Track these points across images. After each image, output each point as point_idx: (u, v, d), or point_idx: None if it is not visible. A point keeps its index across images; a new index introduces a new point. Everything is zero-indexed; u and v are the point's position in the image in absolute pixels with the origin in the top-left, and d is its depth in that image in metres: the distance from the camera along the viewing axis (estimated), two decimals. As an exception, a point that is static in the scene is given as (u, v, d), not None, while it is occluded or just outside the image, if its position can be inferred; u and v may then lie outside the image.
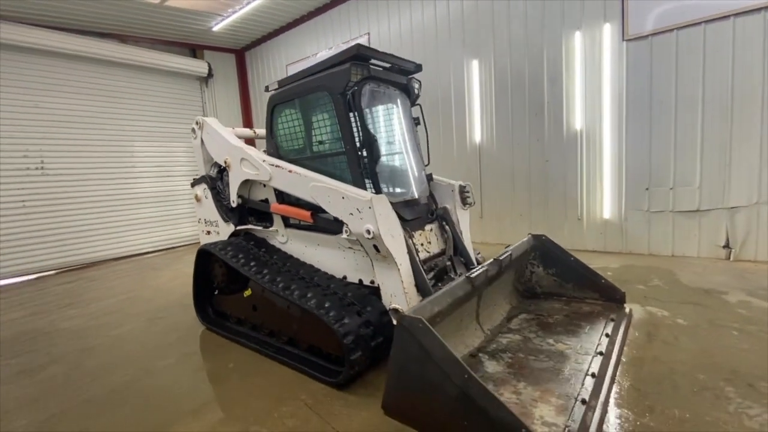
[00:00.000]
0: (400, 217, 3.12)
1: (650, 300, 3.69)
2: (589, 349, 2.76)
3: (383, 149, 3.53)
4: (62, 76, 7.32)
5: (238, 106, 10.37)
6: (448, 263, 3.37)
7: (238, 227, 3.98)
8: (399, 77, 3.45)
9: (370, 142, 2.99)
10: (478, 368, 2.64)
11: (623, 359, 2.64)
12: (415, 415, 2.10)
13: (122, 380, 2.95)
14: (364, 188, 3.00)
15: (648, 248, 5.24)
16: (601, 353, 2.67)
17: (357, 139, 3.02)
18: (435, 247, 3.46)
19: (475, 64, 6.39)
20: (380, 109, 3.49)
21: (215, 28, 8.28)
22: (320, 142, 3.32)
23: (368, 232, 2.64)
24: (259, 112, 10.05)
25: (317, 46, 8.52)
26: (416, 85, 3.64)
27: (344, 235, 2.84)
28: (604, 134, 5.37)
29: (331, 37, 8.26)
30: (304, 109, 3.38)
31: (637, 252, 5.31)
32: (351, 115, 3.00)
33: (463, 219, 3.70)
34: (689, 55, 4.69)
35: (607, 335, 2.93)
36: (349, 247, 3.10)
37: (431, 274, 3.13)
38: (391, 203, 3.06)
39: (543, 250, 3.81)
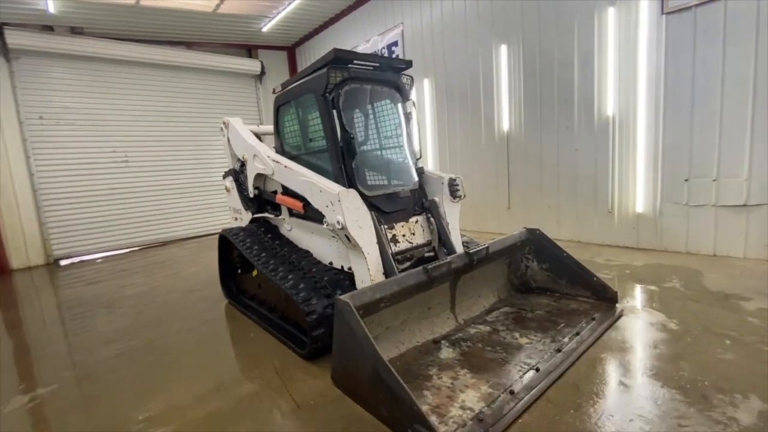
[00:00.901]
0: (379, 210, 3.35)
1: (654, 302, 3.45)
2: (551, 345, 2.75)
3: (369, 145, 3.75)
4: (140, 81, 8.57)
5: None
6: (430, 254, 3.50)
7: (256, 215, 4.50)
8: (388, 75, 3.60)
9: (346, 139, 3.23)
10: (432, 353, 2.81)
11: (583, 358, 2.59)
12: (350, 386, 2.39)
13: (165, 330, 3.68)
14: (344, 182, 3.25)
15: (686, 246, 4.75)
16: (559, 350, 2.66)
17: (338, 137, 3.27)
18: (420, 238, 3.60)
19: (503, 50, 6.17)
20: (366, 107, 3.68)
21: (264, 29, 8.98)
22: (311, 140, 3.64)
23: (338, 222, 2.91)
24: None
25: (356, 39, 8.79)
26: (407, 81, 3.76)
27: (324, 225, 3.14)
28: (639, 120, 4.91)
29: (368, 30, 8.46)
30: (299, 109, 3.71)
31: (674, 250, 4.84)
32: (333, 114, 3.26)
33: (452, 211, 3.77)
34: (739, 29, 4.09)
35: (577, 333, 2.88)
36: (333, 236, 3.40)
37: (407, 264, 3.31)
38: (371, 196, 3.31)
39: (537, 244, 3.76)
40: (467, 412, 2.10)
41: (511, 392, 2.25)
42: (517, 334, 2.97)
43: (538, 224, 5.62)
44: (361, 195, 3.19)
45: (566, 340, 2.81)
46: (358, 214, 2.99)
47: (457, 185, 3.80)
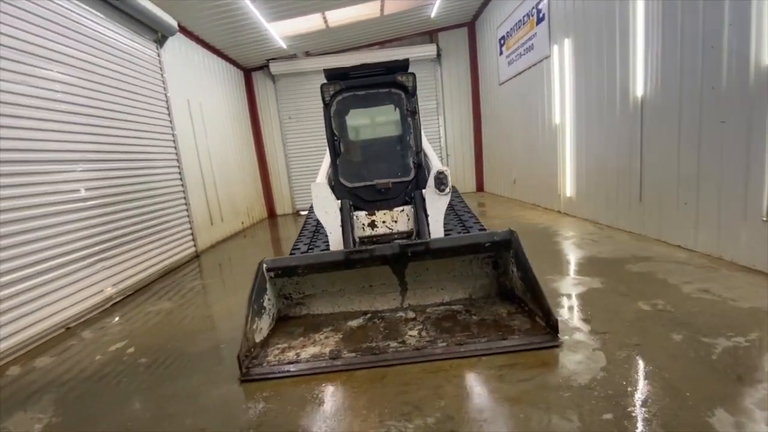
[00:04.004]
0: (360, 198, 4.02)
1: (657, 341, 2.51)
2: (404, 353, 2.79)
3: (360, 143, 4.30)
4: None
5: (468, 77, 11.37)
6: (403, 240, 3.85)
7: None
8: (385, 78, 3.98)
9: (334, 140, 4.01)
10: (349, 318, 3.42)
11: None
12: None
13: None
14: (337, 176, 4.09)
15: None
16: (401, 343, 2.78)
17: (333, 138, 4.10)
18: (403, 226, 4.00)
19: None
20: (365, 111, 4.19)
21: (432, 15, 9.64)
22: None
23: (311, 207, 3.91)
24: (488, 79, 10.63)
25: (513, 4, 8.15)
26: (408, 79, 3.97)
27: (313, 208, 4.15)
28: (820, 71, 2.88)
29: (523, -10, 7.68)
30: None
31: None
32: (331, 120, 4.09)
33: (435, 203, 3.85)
34: None
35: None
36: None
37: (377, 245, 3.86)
38: (353, 186, 4.04)
39: (516, 248, 3.35)
40: (291, 355, 2.85)
41: (335, 358, 2.77)
42: (424, 331, 3.08)
43: (672, 226, 4.42)
44: (345, 185, 4.00)
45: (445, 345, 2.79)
46: (325, 201, 3.86)
47: (443, 178, 3.82)
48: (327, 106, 4.05)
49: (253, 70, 11.14)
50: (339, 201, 3.92)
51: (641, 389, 2.13)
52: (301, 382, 2.60)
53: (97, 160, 4.93)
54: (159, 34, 6.55)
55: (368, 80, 4.01)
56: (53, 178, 4.23)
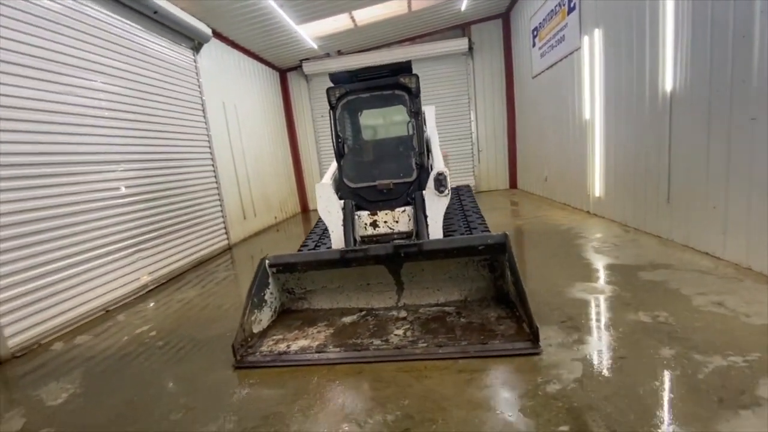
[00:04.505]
0: (363, 198, 4.14)
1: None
2: (384, 351, 2.88)
3: (363, 145, 4.39)
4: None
5: (501, 71, 11.01)
6: (401, 240, 3.93)
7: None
8: (388, 80, 4.03)
9: (338, 142, 4.14)
10: (345, 315, 3.57)
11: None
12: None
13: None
14: (341, 175, 4.24)
15: None
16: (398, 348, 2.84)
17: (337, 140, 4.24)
18: (404, 227, 4.07)
19: (671, -28, 4.21)
20: (369, 113, 4.27)
21: (462, 8, 9.44)
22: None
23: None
24: (522, 72, 10.24)
25: (545, -8, 7.78)
26: (411, 80, 4.00)
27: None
28: None
29: (556, -22, 7.30)
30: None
31: None
32: (337, 123, 4.23)
33: (435, 205, 3.87)
34: None
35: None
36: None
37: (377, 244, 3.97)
38: (356, 187, 4.17)
39: (510, 253, 3.30)
40: (282, 346, 3.05)
41: (320, 351, 2.92)
42: (409, 331, 3.15)
43: (700, 232, 4.18)
44: (348, 186, 4.14)
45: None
46: (328, 201, 4.03)
47: (442, 180, 3.83)
48: (333, 108, 4.19)
49: (288, 70, 11.59)
50: (342, 201, 4.06)
51: (608, 404, 2.07)
52: (285, 372, 2.78)
53: (136, 160, 5.47)
54: (195, 42, 7.05)
55: (371, 83, 4.09)
56: (96, 178, 4.77)
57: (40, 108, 4.13)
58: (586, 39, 6.36)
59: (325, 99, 4.13)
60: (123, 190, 5.17)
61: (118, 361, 3.32)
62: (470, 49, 10.72)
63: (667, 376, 2.25)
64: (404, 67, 4.01)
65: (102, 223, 4.79)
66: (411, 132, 4.14)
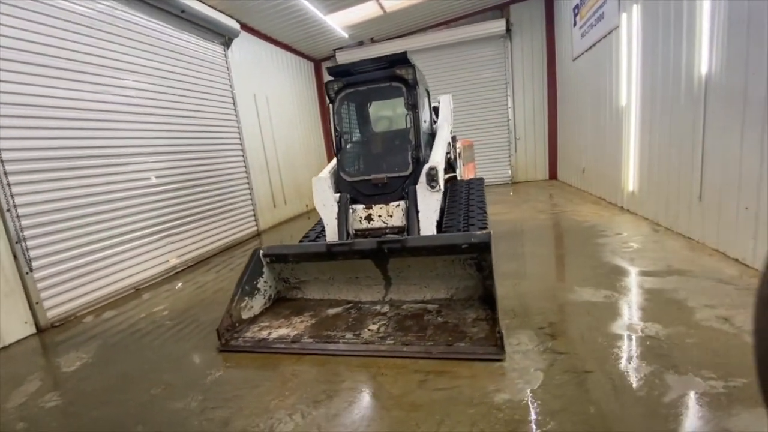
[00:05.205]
0: (360, 192, 4.17)
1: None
2: (352, 345, 2.93)
3: (360, 139, 4.36)
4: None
5: (542, 53, 10.28)
6: (393, 235, 3.92)
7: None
8: (384, 73, 3.97)
9: (337, 136, 4.18)
10: (332, 306, 3.67)
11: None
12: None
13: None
14: (339, 168, 4.28)
15: None
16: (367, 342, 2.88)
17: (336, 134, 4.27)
18: (398, 221, 4.06)
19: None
20: (362, 107, 4.22)
21: (498, -12, 8.90)
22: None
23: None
24: (563, 55, 9.52)
25: (586, -35, 7.08)
26: (408, 72, 3.90)
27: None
28: None
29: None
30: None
31: None
32: (336, 116, 4.26)
33: (427, 200, 3.81)
34: None
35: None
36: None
37: (369, 238, 4.00)
38: (352, 180, 4.21)
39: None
40: (264, 333, 3.22)
41: (294, 341, 3.05)
42: (383, 326, 3.17)
43: (730, 235, 3.85)
44: (345, 180, 4.20)
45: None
46: (323, 195, 4.12)
47: (434, 175, 3.74)
48: (332, 102, 4.23)
49: (322, 60, 11.75)
50: (338, 195, 4.13)
51: (551, 420, 1.96)
52: (260, 358, 2.95)
53: (166, 152, 5.93)
54: (225, 38, 7.39)
55: (369, 75, 4.06)
56: (128, 169, 5.26)
57: (77, 107, 4.62)
58: (624, 17, 5.74)
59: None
60: (153, 180, 5.66)
61: (129, 336, 3.72)
62: (508, 30, 10.12)
63: (628, 396, 2.07)
64: (400, 59, 3.93)
65: (134, 210, 5.29)
66: (408, 125, 4.07)
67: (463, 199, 4.72)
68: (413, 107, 4.01)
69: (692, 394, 2.02)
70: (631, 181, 5.89)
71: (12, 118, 3.98)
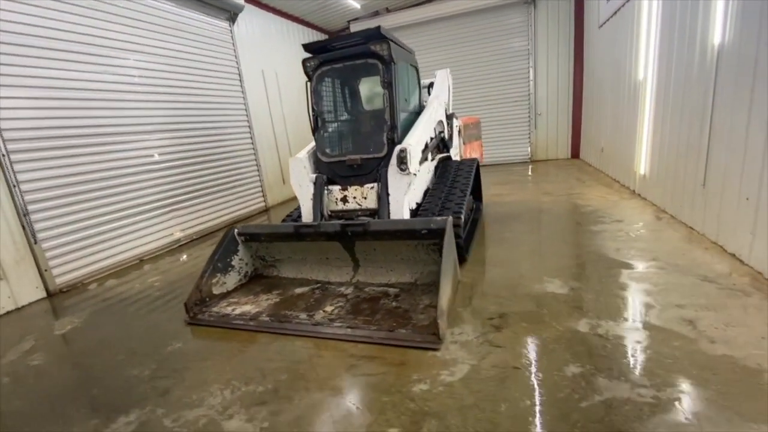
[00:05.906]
0: (336, 173, 4.15)
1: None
2: (302, 326, 2.99)
3: (337, 118, 4.28)
4: (432, 36, 10.60)
5: (569, 22, 9.45)
6: (365, 218, 3.90)
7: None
8: (359, 49, 3.82)
9: (314, 115, 4.13)
10: (302, 284, 3.76)
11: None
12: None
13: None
14: (317, 148, 4.26)
15: None
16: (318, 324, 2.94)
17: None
18: (372, 203, 4.02)
19: None
20: (338, 85, 4.10)
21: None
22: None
23: (292, 180, 4.24)
24: (591, 23, 8.71)
25: None
26: (383, 48, 3.74)
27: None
28: None
29: None
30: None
31: None
32: (313, 95, 4.19)
33: (397, 183, 3.73)
34: None
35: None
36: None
37: (343, 219, 4.01)
38: (329, 161, 4.19)
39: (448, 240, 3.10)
40: (229, 309, 3.37)
41: (252, 318, 3.17)
42: (337, 309, 3.21)
43: (729, 228, 3.60)
44: (322, 160, 4.19)
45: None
46: (299, 175, 4.14)
47: (404, 157, 3.63)
48: (310, 80, 4.16)
49: (338, 32, 11.49)
50: (315, 176, 4.13)
51: (457, 415, 1.94)
52: (218, 333, 3.10)
53: (170, 129, 6.14)
54: (230, 13, 7.38)
55: (344, 51, 3.94)
56: (130, 146, 5.51)
57: (79, 87, 4.86)
58: (647, -23, 5.13)
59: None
60: (156, 157, 5.91)
61: (118, 303, 4.02)
62: (531, -5, 9.38)
63: (545, 397, 2.00)
64: (373, 34, 3.76)
65: (138, 186, 5.59)
66: (385, 104, 3.94)
67: (448, 181, 4.58)
68: (389, 85, 3.87)
69: (614, 401, 1.91)
70: (642, 163, 5.44)
71: (16, 99, 4.26)
